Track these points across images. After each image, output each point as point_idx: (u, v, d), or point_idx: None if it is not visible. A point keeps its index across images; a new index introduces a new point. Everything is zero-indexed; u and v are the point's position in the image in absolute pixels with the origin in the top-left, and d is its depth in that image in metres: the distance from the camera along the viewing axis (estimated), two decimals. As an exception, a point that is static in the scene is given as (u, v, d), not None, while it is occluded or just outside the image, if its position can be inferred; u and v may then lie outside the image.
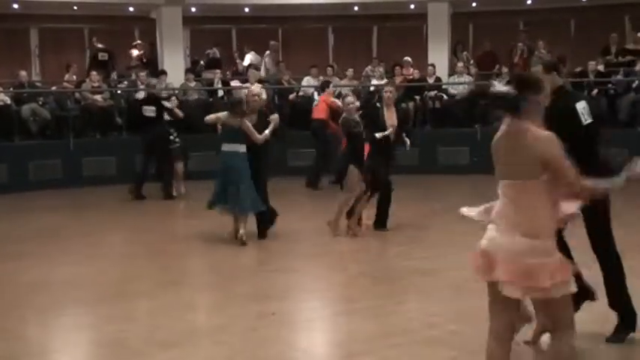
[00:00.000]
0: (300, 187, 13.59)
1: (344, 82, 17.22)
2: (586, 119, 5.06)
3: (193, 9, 19.06)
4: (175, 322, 6.06)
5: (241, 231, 9.01)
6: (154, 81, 14.60)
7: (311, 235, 9.83)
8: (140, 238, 9.96)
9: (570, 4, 18.84)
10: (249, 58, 18.67)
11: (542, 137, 3.75)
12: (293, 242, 9.35)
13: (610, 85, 15.43)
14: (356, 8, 19.94)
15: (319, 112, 14.12)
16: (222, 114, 9.33)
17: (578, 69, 16.24)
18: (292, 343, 5.72)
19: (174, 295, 6.96)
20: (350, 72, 17.41)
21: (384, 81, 17.10)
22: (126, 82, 17.61)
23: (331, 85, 14.76)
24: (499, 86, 3.79)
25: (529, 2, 19.16)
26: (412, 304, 6.68)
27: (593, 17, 18.98)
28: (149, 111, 12.96)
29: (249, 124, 9.09)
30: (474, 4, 19.36)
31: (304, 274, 7.90)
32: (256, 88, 9.77)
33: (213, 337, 5.72)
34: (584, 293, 4.82)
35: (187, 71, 17.22)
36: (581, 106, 5.09)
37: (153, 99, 13.21)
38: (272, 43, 19.24)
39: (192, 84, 16.91)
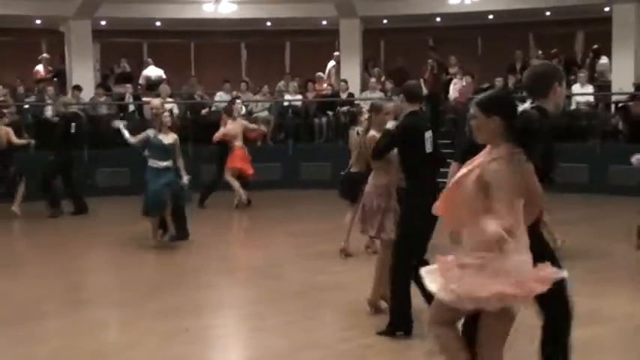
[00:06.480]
0: (217, 201, 13.23)
1: (258, 97, 17.24)
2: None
3: (103, 22, 18.76)
4: (85, 342, 5.93)
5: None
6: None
7: (225, 250, 9.79)
8: (51, 256, 9.69)
9: (477, 22, 19.37)
10: (150, 70, 18.34)
11: None
12: (206, 257, 9.28)
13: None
14: (268, 23, 20.02)
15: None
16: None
17: (486, 85, 16.67)
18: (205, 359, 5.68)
19: (85, 314, 6.81)
20: (265, 88, 17.42)
21: (298, 96, 17.28)
22: (33, 97, 17.14)
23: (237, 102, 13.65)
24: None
25: (438, 20, 19.61)
26: (325, 318, 6.72)
27: (499, 34, 19.59)
28: (73, 128, 12.73)
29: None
30: (384, 21, 19.70)
31: (218, 290, 7.86)
32: (156, 101, 10.69)
33: (123, 355, 5.62)
34: None
35: (98, 86, 16.89)
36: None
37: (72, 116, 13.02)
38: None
39: (102, 98, 16.59)
